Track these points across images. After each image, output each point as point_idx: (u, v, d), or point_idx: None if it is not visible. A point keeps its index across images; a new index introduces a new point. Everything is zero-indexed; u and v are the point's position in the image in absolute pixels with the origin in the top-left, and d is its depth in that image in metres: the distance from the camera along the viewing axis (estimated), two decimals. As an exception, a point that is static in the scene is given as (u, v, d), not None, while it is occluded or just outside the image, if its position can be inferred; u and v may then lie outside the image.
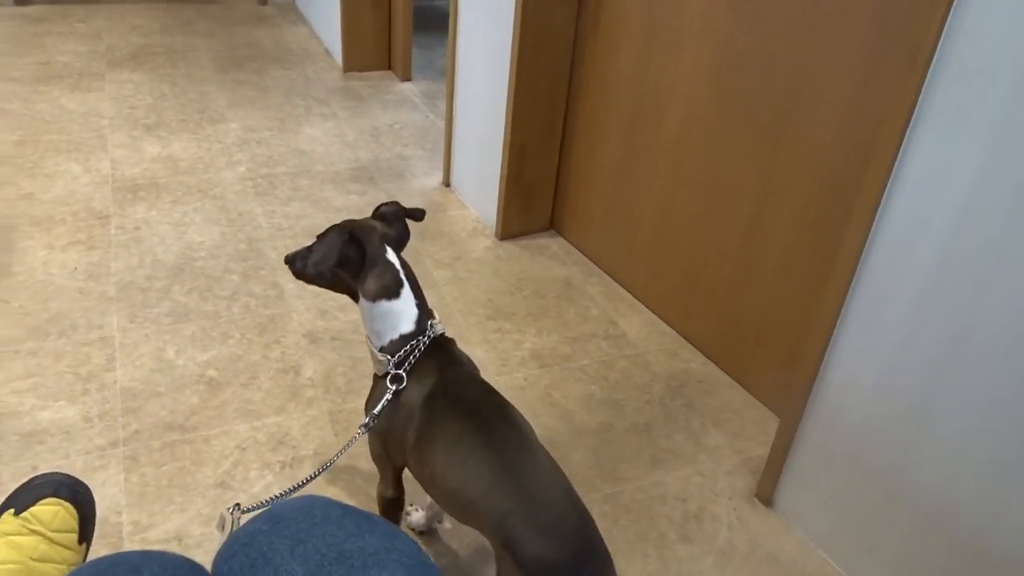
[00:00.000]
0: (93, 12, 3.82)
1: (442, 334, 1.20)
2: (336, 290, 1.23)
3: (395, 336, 1.16)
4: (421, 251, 2.26)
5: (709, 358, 1.93)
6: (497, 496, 1.02)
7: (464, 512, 1.08)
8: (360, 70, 3.53)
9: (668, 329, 2.03)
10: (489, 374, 1.82)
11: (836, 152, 1.50)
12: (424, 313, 1.18)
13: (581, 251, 2.34)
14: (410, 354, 1.15)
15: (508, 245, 2.35)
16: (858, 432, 1.32)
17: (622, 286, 2.19)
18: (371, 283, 1.16)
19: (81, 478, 1.17)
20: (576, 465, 1.59)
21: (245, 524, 0.80)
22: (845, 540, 1.40)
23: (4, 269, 1.98)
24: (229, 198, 2.43)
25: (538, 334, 1.97)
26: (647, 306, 2.11)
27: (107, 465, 1.49)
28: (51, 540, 1.07)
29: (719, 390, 1.84)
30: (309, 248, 1.20)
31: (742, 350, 1.83)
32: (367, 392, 1.25)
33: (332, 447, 1.58)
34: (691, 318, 1.97)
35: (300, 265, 1.21)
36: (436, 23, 4.21)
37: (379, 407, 1.14)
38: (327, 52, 3.70)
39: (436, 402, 1.13)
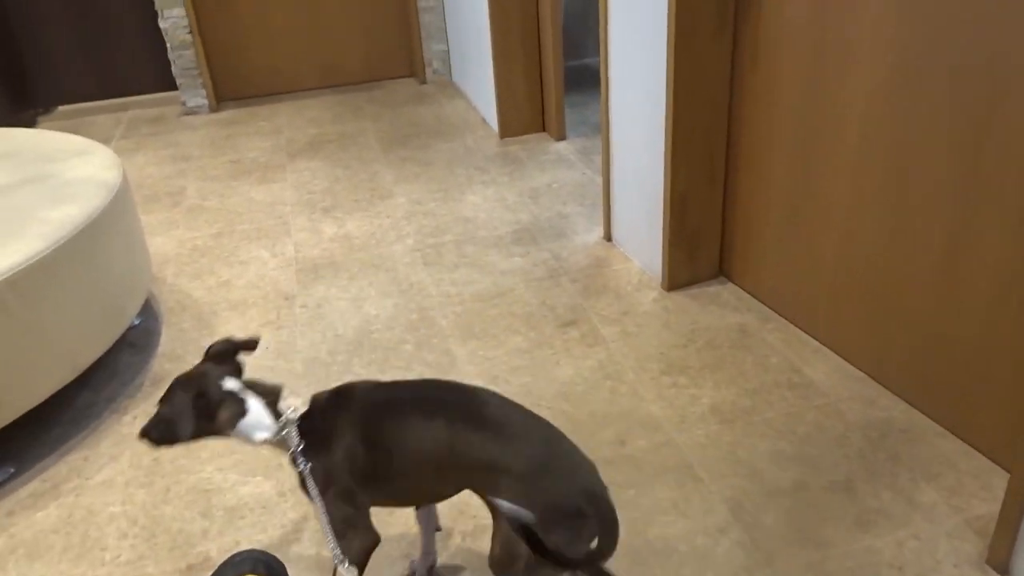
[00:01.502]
0: (275, 110, 4.19)
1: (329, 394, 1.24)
2: (199, 439, 1.20)
3: (266, 435, 1.19)
4: (587, 308, 2.24)
5: (912, 404, 1.75)
6: (474, 449, 1.13)
7: (450, 481, 1.19)
8: (516, 135, 3.62)
9: (860, 374, 1.87)
10: (667, 432, 1.74)
11: (1045, 166, 1.33)
12: (274, 408, 1.20)
13: (754, 296, 2.22)
14: (298, 438, 1.18)
15: (676, 296, 2.27)
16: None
17: (803, 330, 2.04)
18: (223, 418, 1.17)
19: (278, 550, 1.22)
20: (770, 528, 1.47)
21: None
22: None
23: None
24: (400, 270, 2.54)
25: (715, 387, 1.87)
26: (833, 350, 1.95)
27: (300, 539, 1.55)
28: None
29: (927, 440, 1.65)
30: (159, 416, 1.17)
31: (952, 393, 1.64)
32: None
33: (511, 515, 1.56)
34: (887, 360, 1.80)
35: (158, 435, 1.18)
36: (587, 81, 4.25)
37: (314, 486, 1.16)
38: (484, 121, 3.83)
39: (367, 432, 1.18)
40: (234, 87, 4.37)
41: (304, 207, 3.03)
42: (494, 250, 2.62)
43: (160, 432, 1.17)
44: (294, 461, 1.19)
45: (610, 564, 1.42)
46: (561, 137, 3.56)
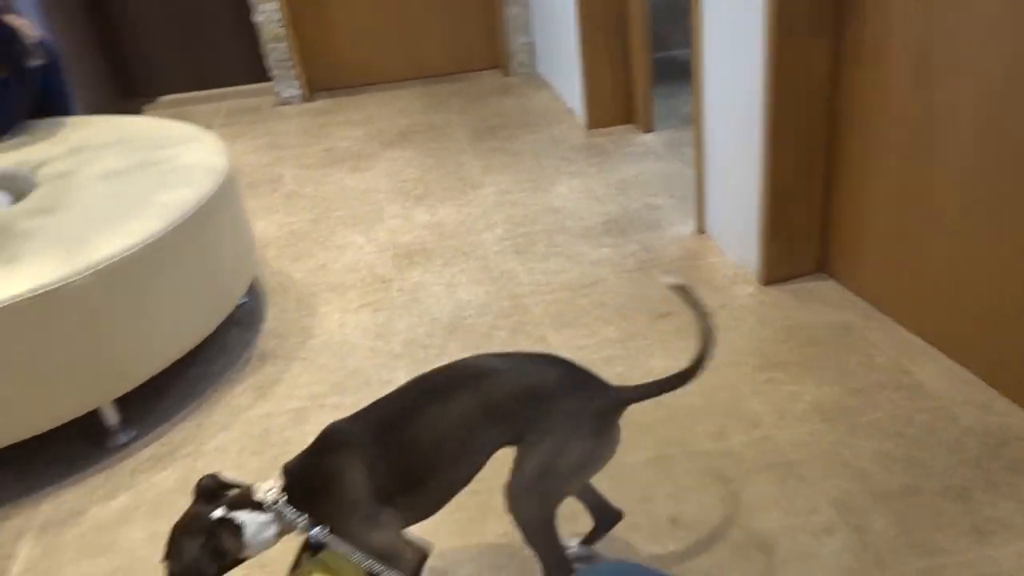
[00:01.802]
0: (365, 101, 4.28)
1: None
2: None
3: (273, 530, 1.16)
4: (681, 301, 2.22)
5: (1029, 410, 1.68)
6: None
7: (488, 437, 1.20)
8: (603, 126, 3.61)
9: (972, 377, 1.80)
10: (766, 428, 1.72)
11: None
12: (257, 507, 1.16)
13: (858, 294, 2.16)
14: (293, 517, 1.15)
15: (773, 291, 2.23)
16: None
17: (910, 330, 1.98)
18: (230, 546, 1.14)
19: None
20: (879, 532, 1.44)
21: None
22: None
23: (308, 331, 2.23)
24: (491, 258, 2.56)
25: (817, 385, 1.83)
26: (944, 352, 1.89)
27: (404, 514, 1.59)
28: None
29: (1047, 448, 1.59)
30: (172, 573, 1.15)
31: (1074, 401, 1.58)
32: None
33: (612, 498, 1.57)
34: (1002, 365, 1.73)
35: None
36: (675, 73, 4.21)
37: (356, 551, 1.13)
38: (570, 112, 3.83)
39: (382, 448, 1.17)
40: (325, 78, 4.48)
41: (396, 195, 3.08)
42: (583, 240, 2.62)
43: None
44: (308, 538, 1.17)
45: (712, 552, 1.42)
46: (648, 129, 3.53)
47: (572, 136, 3.54)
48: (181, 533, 1.14)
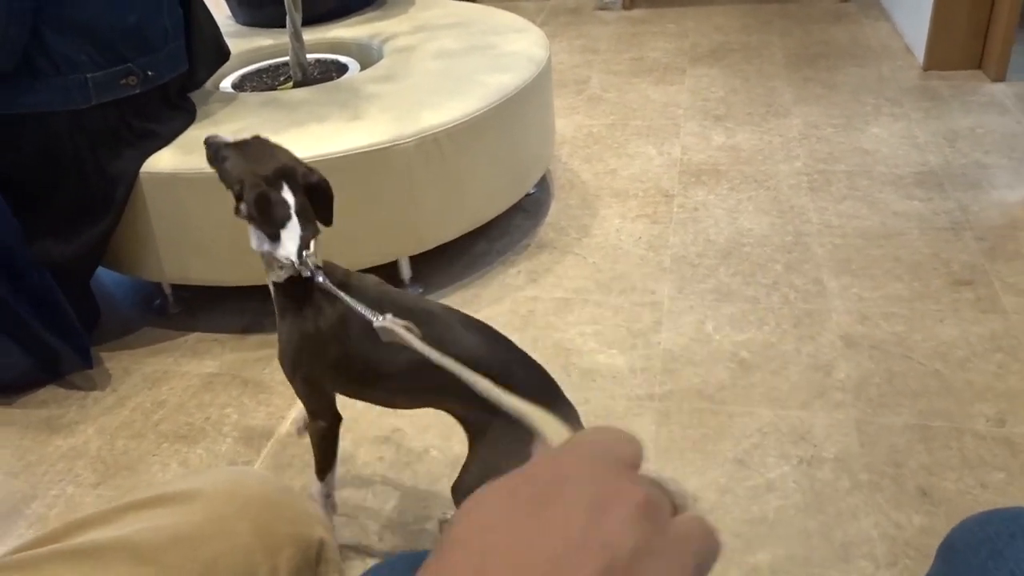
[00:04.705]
0: (683, 14, 4.18)
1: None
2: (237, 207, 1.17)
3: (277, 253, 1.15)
4: (990, 271, 1.99)
5: None
6: None
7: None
8: (943, 68, 3.21)
9: None
10: (1062, 426, 1.53)
11: None
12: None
13: None
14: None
15: (1113, 281, 1.92)
16: None
17: None
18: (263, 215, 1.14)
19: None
20: None
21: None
22: None
23: (586, 230, 2.33)
24: (782, 190, 2.46)
25: None
26: None
27: (643, 414, 1.66)
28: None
29: None
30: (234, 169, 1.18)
31: None
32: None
33: (856, 456, 1.50)
34: None
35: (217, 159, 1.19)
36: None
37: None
38: (907, 49, 3.45)
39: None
40: (648, -14, 4.43)
41: (696, 112, 3.04)
42: (890, 188, 2.41)
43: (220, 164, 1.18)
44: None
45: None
46: (999, 78, 3.08)
47: (903, 76, 3.21)
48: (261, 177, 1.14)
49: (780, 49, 3.60)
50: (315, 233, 1.17)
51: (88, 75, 1.69)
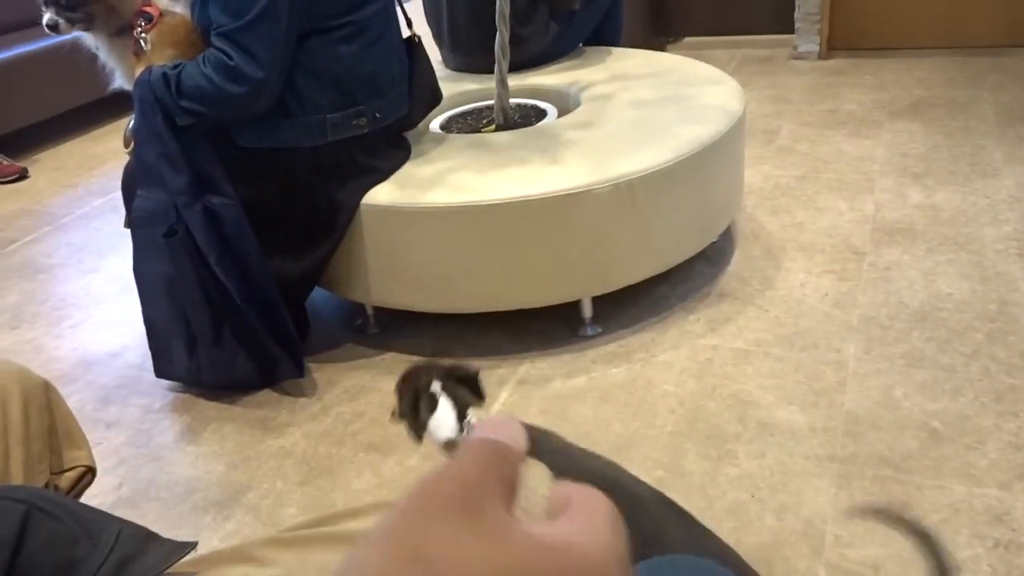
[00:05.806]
0: (883, 65, 4.04)
1: None
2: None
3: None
4: None
5: None
6: None
7: None
8: None
9: None
10: None
11: None
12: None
13: None
14: None
15: None
16: None
17: None
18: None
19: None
20: None
21: None
22: None
23: (769, 282, 2.31)
24: (987, 255, 2.33)
25: None
26: None
27: (822, 475, 1.63)
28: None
29: None
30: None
31: None
32: None
33: (1061, 547, 1.40)
34: None
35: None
36: None
37: None
38: None
39: None
40: (846, 37, 4.32)
41: (893, 168, 2.93)
42: (1116, 262, 2.22)
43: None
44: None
45: None
46: None
47: None
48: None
49: (991, 105, 3.40)
50: None
51: (327, 116, 1.92)
